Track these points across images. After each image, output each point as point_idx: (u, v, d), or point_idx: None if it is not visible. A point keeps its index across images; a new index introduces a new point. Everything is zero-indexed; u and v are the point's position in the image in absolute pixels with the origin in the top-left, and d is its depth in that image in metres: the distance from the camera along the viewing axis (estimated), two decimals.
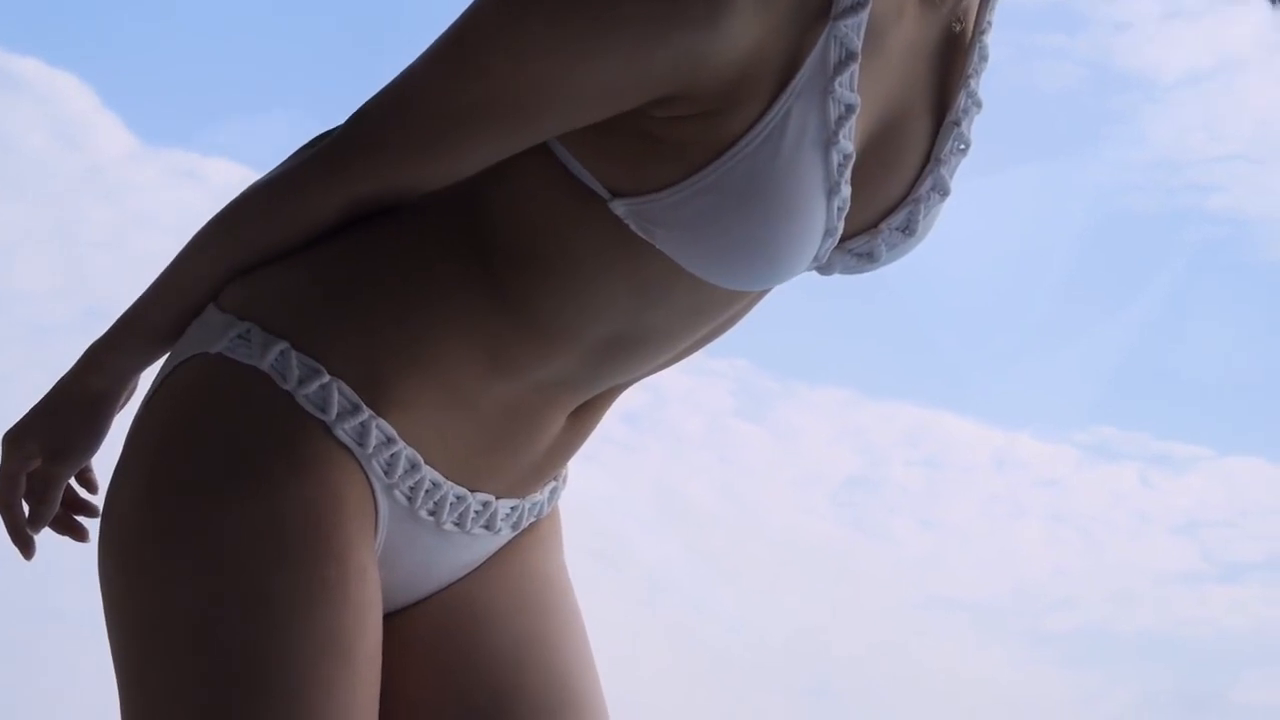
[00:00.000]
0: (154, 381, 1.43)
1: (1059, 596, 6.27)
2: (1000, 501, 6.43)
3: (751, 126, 1.29)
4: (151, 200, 5.99)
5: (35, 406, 1.50)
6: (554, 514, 1.63)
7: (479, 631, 1.53)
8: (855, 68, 1.30)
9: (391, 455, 1.37)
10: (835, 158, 1.32)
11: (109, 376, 1.47)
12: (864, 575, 6.23)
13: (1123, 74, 6.42)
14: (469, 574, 1.54)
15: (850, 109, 1.31)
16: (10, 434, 1.50)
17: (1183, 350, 6.37)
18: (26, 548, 1.53)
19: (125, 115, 5.93)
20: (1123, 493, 6.32)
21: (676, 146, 1.30)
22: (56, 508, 1.53)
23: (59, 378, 1.49)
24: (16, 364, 5.30)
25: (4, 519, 1.52)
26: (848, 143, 1.32)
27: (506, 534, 1.53)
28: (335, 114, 1.42)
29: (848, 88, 1.30)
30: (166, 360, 1.43)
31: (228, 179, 5.87)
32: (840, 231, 1.38)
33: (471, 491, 1.45)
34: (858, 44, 1.30)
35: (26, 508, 1.53)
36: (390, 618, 1.48)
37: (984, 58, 1.45)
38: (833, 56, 1.30)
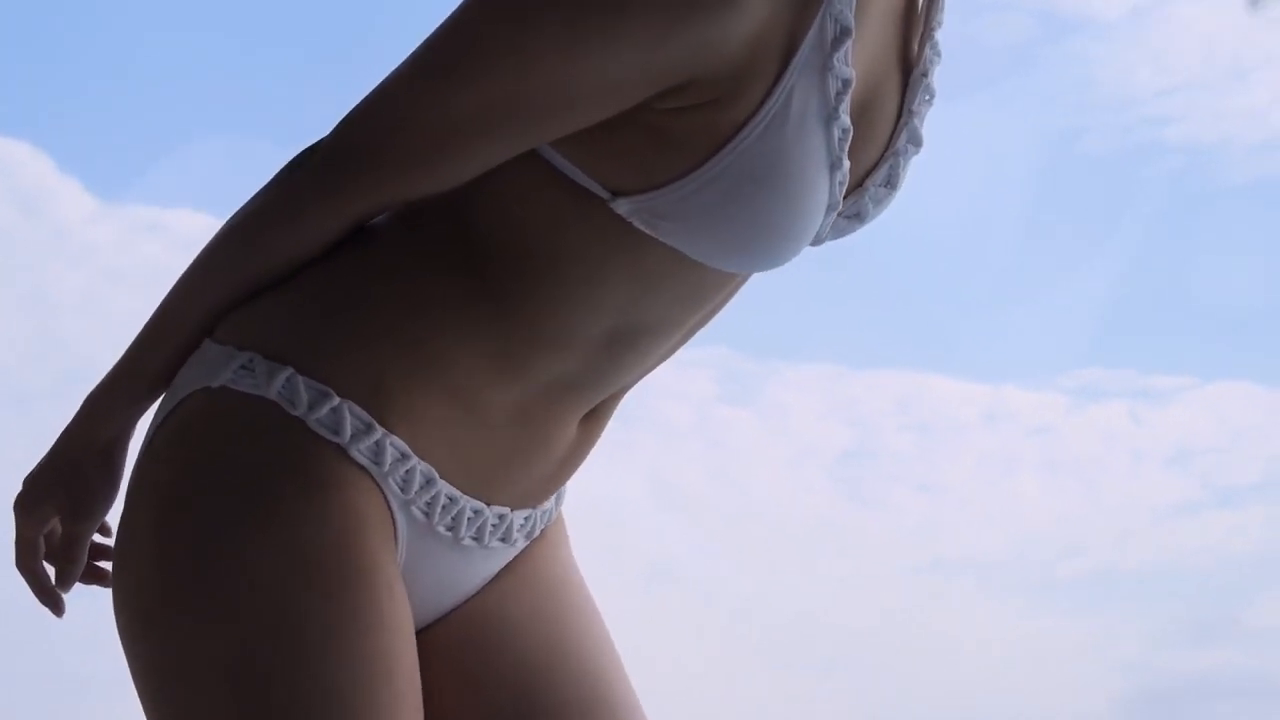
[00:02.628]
0: (153, 423, 1.40)
1: (1063, 543, 6.29)
2: (994, 456, 6.45)
3: (756, 111, 1.29)
4: (118, 258, 5.99)
5: (41, 465, 1.46)
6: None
7: (502, 640, 1.52)
8: (850, 43, 1.31)
9: (407, 471, 1.36)
10: (835, 133, 1.32)
11: (113, 425, 1.43)
12: (867, 545, 6.25)
13: (1067, 18, 6.44)
14: (485, 586, 1.53)
15: (847, 84, 1.31)
16: (21, 499, 1.47)
17: (1158, 283, 6.40)
18: (57, 607, 1.51)
19: (82, 177, 5.93)
20: (1114, 432, 6.35)
21: (682, 138, 1.29)
22: (84, 563, 1.49)
23: (60, 432, 1.45)
24: None
25: (30, 584, 1.50)
26: (846, 117, 1.33)
27: (521, 544, 1.53)
28: (291, 144, 1.39)
29: (844, 63, 1.31)
30: (163, 400, 1.40)
31: (192, 228, 5.87)
32: (840, 204, 1.39)
33: (488, 504, 1.44)
34: (851, 19, 1.30)
35: (50, 568, 1.50)
36: None
37: (941, 8, 1.46)
38: (829, 33, 1.30)
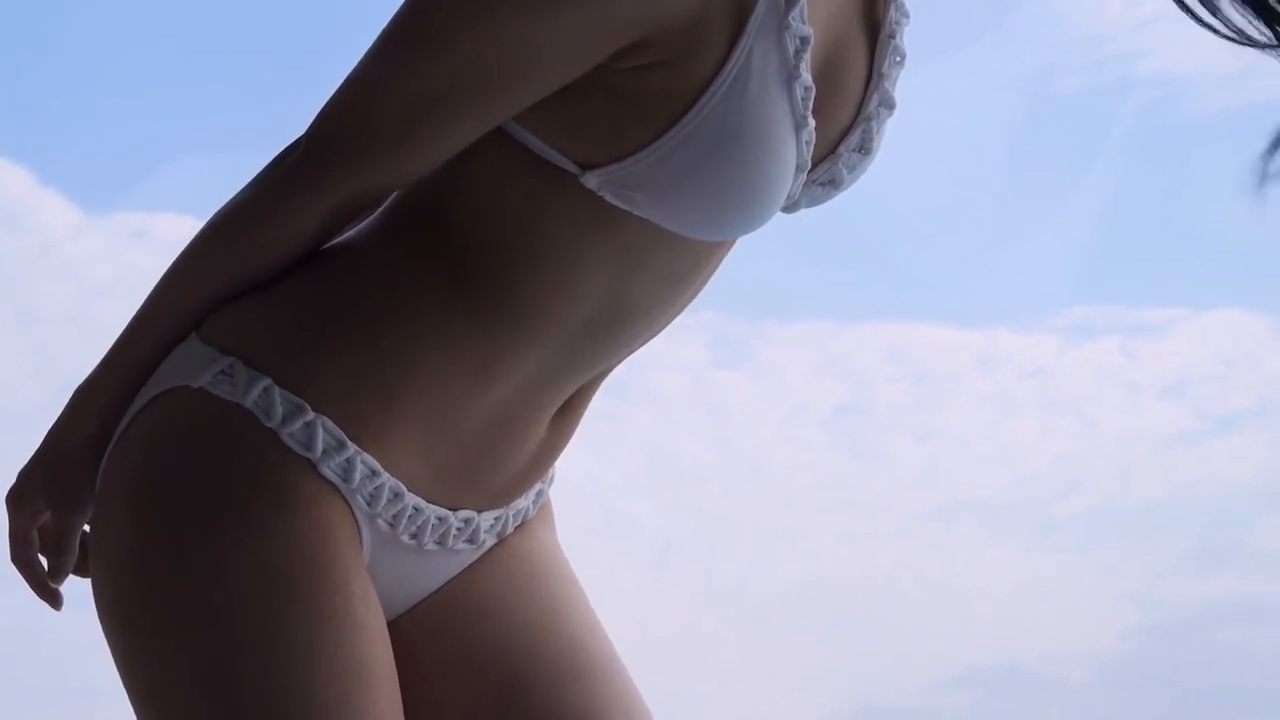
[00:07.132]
0: (131, 409, 1.41)
1: (1064, 482, 6.31)
2: (990, 400, 6.46)
3: (717, 72, 1.30)
4: (106, 268, 5.98)
5: (32, 460, 1.47)
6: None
7: (477, 623, 1.53)
8: (804, 1, 1.32)
9: (375, 488, 1.37)
10: (798, 92, 1.33)
11: (100, 418, 1.43)
12: (868, 499, 6.26)
13: None
14: (458, 574, 1.54)
15: (805, 42, 1.33)
16: (12, 493, 1.48)
17: (1143, 217, 6.41)
18: (54, 600, 1.52)
19: (64, 189, 5.91)
20: (1108, 367, 6.36)
21: (644, 102, 1.30)
22: (75, 556, 1.50)
23: (50, 426, 1.46)
24: None
25: (25, 577, 1.50)
26: (807, 75, 1.34)
27: (490, 542, 1.54)
28: (272, 146, 1.40)
29: (800, 21, 1.32)
30: (144, 388, 1.40)
31: (177, 232, 5.86)
32: (809, 165, 1.39)
33: (453, 510, 1.45)
34: None
35: (44, 561, 1.50)
36: None
37: None
38: None
